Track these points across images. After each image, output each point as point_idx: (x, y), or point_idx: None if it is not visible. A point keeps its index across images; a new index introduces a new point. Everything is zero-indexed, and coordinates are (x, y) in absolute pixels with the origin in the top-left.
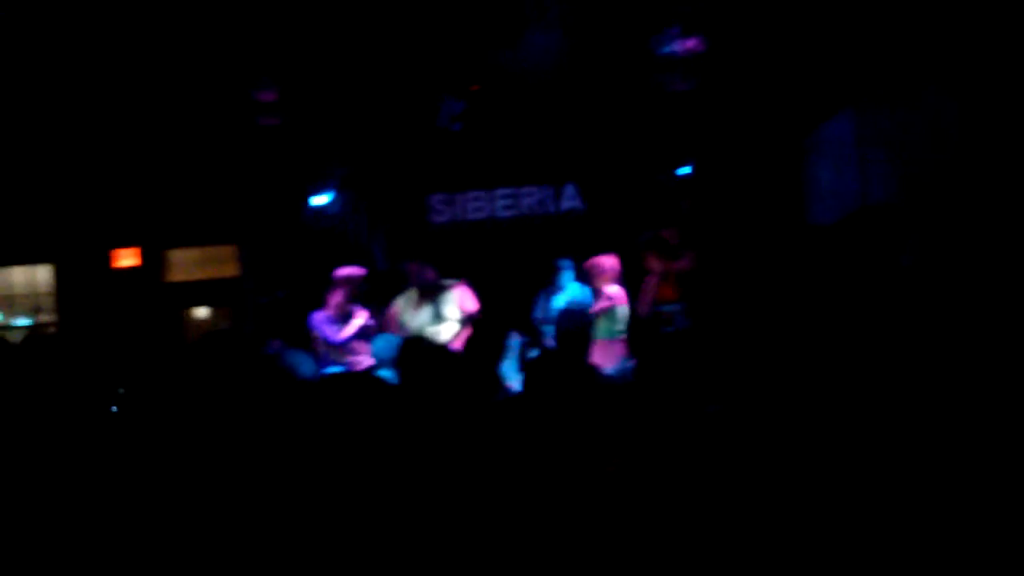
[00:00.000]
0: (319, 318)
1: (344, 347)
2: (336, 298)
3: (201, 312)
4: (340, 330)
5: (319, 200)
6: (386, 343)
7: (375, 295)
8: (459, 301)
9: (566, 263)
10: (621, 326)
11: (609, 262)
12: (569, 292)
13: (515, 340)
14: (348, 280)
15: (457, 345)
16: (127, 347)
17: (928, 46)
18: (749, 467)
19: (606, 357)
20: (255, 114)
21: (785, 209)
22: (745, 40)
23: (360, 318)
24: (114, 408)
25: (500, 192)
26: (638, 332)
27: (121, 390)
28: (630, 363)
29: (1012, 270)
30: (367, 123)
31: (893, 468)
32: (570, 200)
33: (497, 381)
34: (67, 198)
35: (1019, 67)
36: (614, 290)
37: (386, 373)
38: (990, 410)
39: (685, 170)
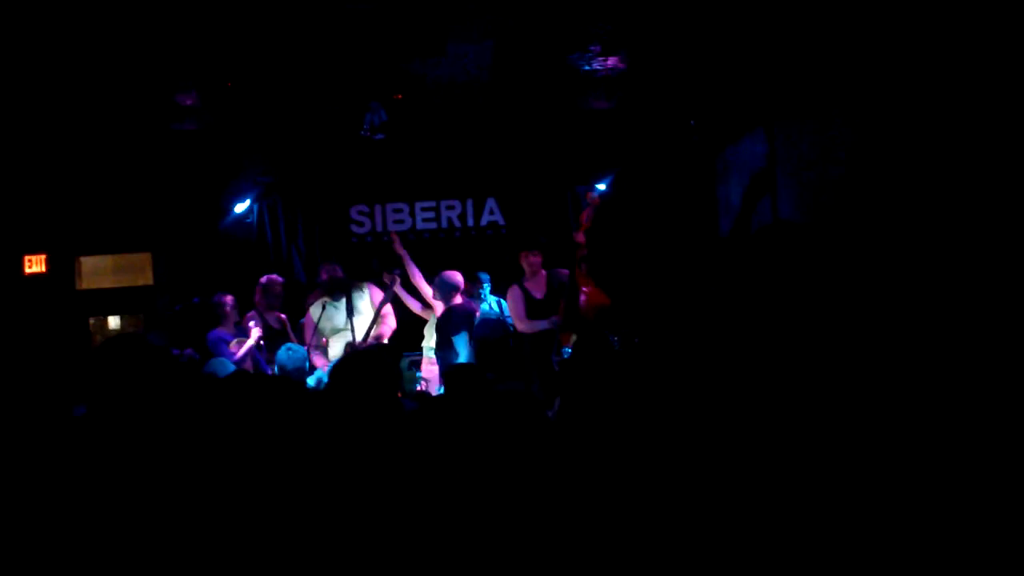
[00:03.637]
0: (215, 337)
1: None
2: (231, 315)
3: (113, 320)
4: (238, 347)
5: (239, 208)
6: (289, 352)
7: (293, 304)
8: (371, 295)
9: (485, 276)
10: None
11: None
12: (488, 303)
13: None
14: (267, 287)
15: (380, 336)
16: (32, 354)
17: (831, 70)
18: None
19: None
20: (174, 118)
21: (697, 225)
22: (661, 60)
23: (255, 333)
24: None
25: (421, 204)
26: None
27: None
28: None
29: (910, 290)
30: (289, 131)
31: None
32: (491, 214)
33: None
34: None
35: (912, 94)
36: None
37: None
38: (904, 428)
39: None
